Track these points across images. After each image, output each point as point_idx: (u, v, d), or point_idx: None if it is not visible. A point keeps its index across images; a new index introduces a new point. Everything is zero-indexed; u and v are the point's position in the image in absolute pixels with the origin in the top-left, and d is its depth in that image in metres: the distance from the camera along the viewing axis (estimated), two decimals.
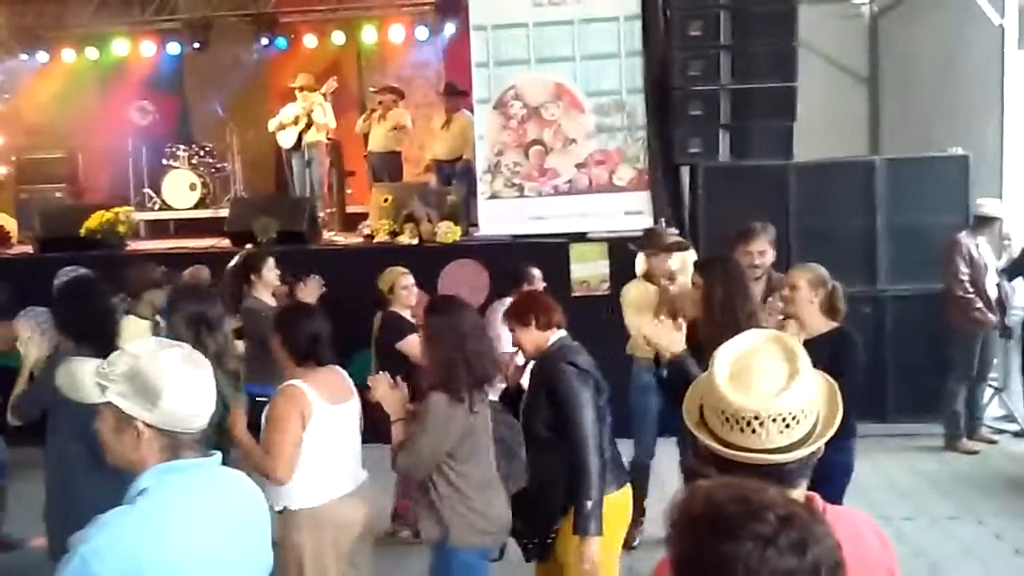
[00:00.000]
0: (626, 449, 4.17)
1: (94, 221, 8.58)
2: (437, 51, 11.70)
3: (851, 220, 7.66)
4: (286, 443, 3.46)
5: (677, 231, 7.80)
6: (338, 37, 11.52)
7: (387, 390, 3.60)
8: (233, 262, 6.48)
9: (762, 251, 5.10)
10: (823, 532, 1.36)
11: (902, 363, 7.51)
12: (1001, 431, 7.48)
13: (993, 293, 7.18)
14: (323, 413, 3.53)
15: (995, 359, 7.58)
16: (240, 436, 3.58)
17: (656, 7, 8.07)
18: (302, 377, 3.58)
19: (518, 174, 8.23)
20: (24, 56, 11.77)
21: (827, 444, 1.88)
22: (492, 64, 8.23)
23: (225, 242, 8.63)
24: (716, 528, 1.34)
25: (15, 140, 12.00)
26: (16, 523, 5.63)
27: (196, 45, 11.44)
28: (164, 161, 11.59)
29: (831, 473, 1.94)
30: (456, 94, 9.86)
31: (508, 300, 5.59)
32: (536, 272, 6.06)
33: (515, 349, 3.91)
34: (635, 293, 5.57)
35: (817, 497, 1.83)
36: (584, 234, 7.98)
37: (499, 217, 8.26)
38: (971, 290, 6.99)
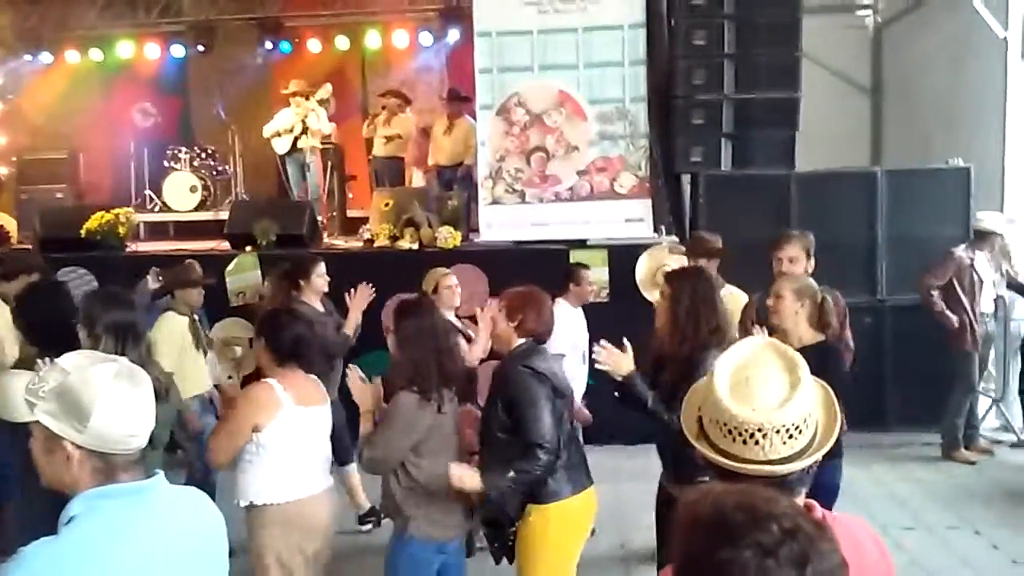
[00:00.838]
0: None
1: (94, 222, 8.56)
2: (440, 57, 11.73)
3: (852, 230, 7.67)
4: (232, 432, 3.59)
5: (677, 239, 7.83)
6: (342, 42, 11.57)
7: (358, 382, 3.70)
8: (281, 267, 6.48)
9: (792, 258, 4.86)
10: (829, 548, 1.35)
11: (901, 373, 7.52)
12: (998, 442, 7.48)
13: (990, 308, 7.18)
14: (291, 412, 3.60)
15: (988, 370, 7.59)
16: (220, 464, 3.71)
17: (660, 16, 8.08)
18: (278, 377, 3.66)
19: (520, 180, 8.23)
20: (28, 57, 11.82)
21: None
22: (496, 70, 8.23)
23: (225, 245, 8.62)
24: (718, 533, 1.33)
25: (17, 140, 12.01)
26: None
27: (200, 48, 11.49)
28: (165, 163, 11.59)
29: (816, 496, 1.91)
30: (459, 100, 9.88)
31: (561, 300, 5.66)
32: (587, 273, 6.18)
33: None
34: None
35: (816, 505, 1.83)
36: (584, 241, 7.99)
37: (500, 223, 8.26)
38: (940, 305, 6.99)
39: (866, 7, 11.03)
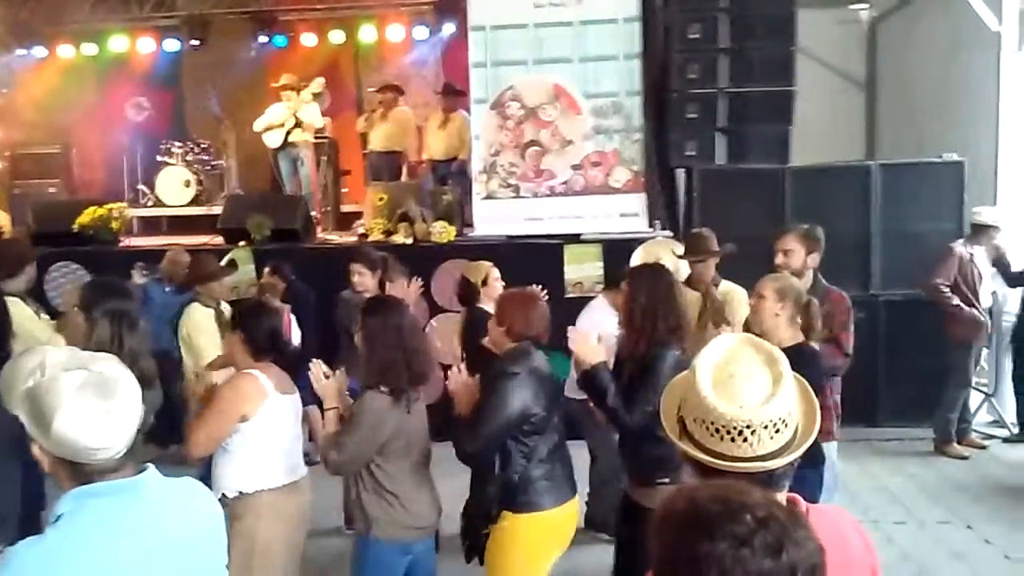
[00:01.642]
0: None
1: (87, 217, 8.54)
2: (435, 51, 11.70)
3: (846, 225, 7.65)
4: (219, 423, 3.59)
5: (671, 234, 7.82)
6: (337, 36, 11.53)
7: (322, 378, 3.68)
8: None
9: (788, 250, 4.70)
10: (804, 536, 1.36)
11: (894, 368, 7.52)
12: (991, 436, 7.49)
13: (987, 302, 7.18)
14: (276, 401, 3.64)
15: (981, 364, 7.60)
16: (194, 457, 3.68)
17: (655, 10, 8.07)
18: (258, 369, 3.69)
19: (514, 175, 8.22)
20: (21, 51, 11.76)
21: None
22: (490, 64, 8.22)
23: (218, 239, 8.61)
24: (693, 527, 1.35)
25: (10, 135, 11.95)
26: None
27: (194, 42, 11.45)
28: (159, 158, 11.54)
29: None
30: (454, 94, 9.85)
31: (607, 295, 5.68)
32: None
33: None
34: None
35: (799, 498, 1.83)
36: (579, 235, 7.98)
37: (494, 217, 8.26)
38: (954, 298, 6.94)
39: (861, 1, 11.02)
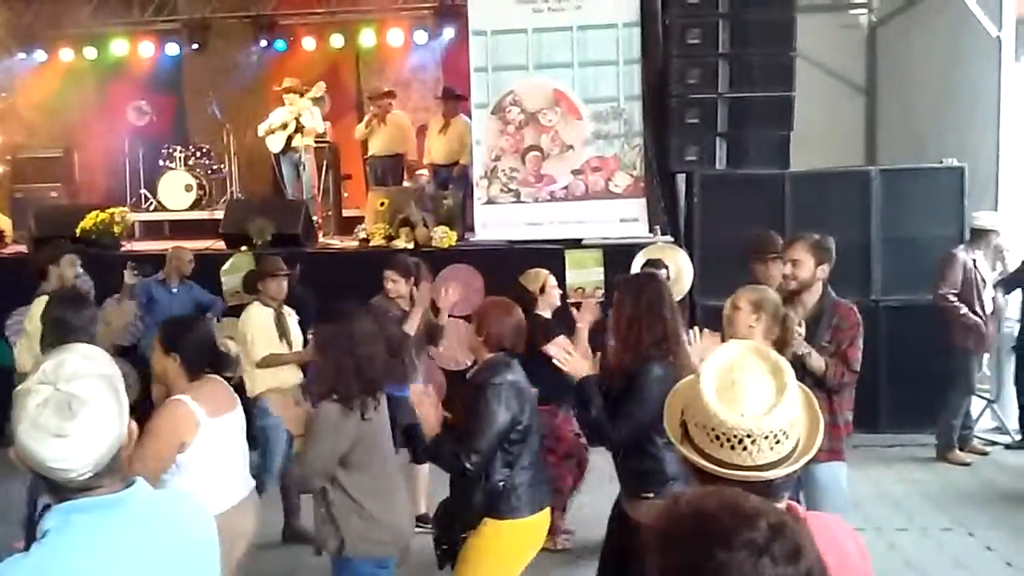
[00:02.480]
0: None
1: (89, 221, 8.55)
2: (435, 55, 11.72)
3: (846, 230, 7.59)
4: (151, 455, 3.33)
5: (672, 239, 7.84)
6: (337, 40, 11.55)
7: (284, 407, 3.68)
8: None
9: (796, 260, 4.44)
10: (810, 543, 1.35)
11: (895, 374, 7.51)
12: (993, 443, 7.48)
13: (989, 307, 7.18)
14: (208, 427, 3.46)
15: (983, 371, 7.61)
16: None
17: (655, 15, 8.08)
18: (190, 392, 3.49)
19: (515, 179, 8.23)
20: (22, 55, 11.78)
21: None
22: (491, 69, 8.23)
23: (220, 244, 8.62)
24: (706, 537, 1.32)
25: (11, 139, 11.96)
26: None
27: (195, 46, 11.47)
28: (160, 162, 11.57)
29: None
30: (454, 98, 9.86)
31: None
32: (660, 273, 5.78)
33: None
34: None
35: (796, 505, 1.84)
36: (579, 240, 7.99)
37: (495, 222, 8.26)
38: (963, 308, 6.94)
39: (860, 6, 11.05)
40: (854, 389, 4.44)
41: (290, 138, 9.80)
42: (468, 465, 3.53)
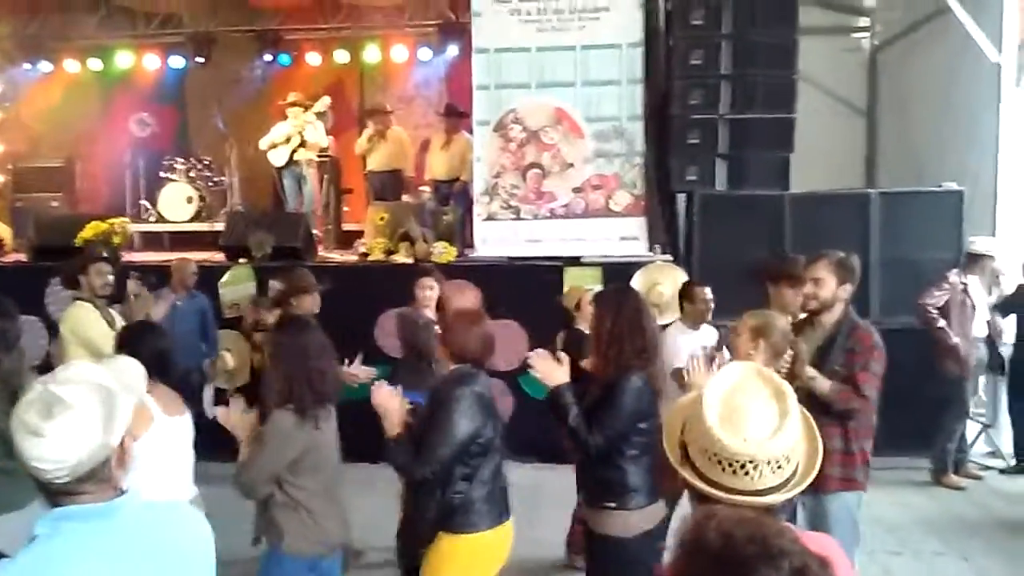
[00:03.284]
0: None
1: (89, 231, 8.56)
2: (439, 72, 11.77)
3: (845, 252, 7.64)
4: None
5: (671, 258, 7.85)
6: (341, 55, 11.63)
7: (237, 414, 3.67)
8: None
9: (818, 279, 4.26)
10: None
11: (891, 397, 7.40)
12: (988, 467, 7.47)
13: (983, 331, 7.19)
14: (162, 423, 3.59)
15: (978, 394, 7.60)
16: None
17: (658, 35, 8.13)
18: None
19: (515, 196, 8.25)
20: (27, 65, 11.85)
21: None
22: (493, 87, 8.26)
23: (220, 256, 8.63)
24: (730, 566, 1.33)
25: (15, 148, 12.01)
26: None
27: (199, 59, 11.53)
28: (162, 173, 11.60)
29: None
30: (456, 115, 9.89)
31: (677, 322, 5.76)
32: (701, 290, 5.85)
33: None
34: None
35: (792, 527, 1.84)
36: (579, 258, 7.99)
37: (495, 239, 8.28)
38: (940, 321, 6.95)
39: (862, 30, 11.11)
40: (873, 416, 4.33)
41: (293, 152, 9.83)
42: (417, 475, 3.54)
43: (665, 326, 5.59)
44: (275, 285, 7.13)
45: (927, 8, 9.36)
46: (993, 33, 8.26)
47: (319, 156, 10.23)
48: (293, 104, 9.94)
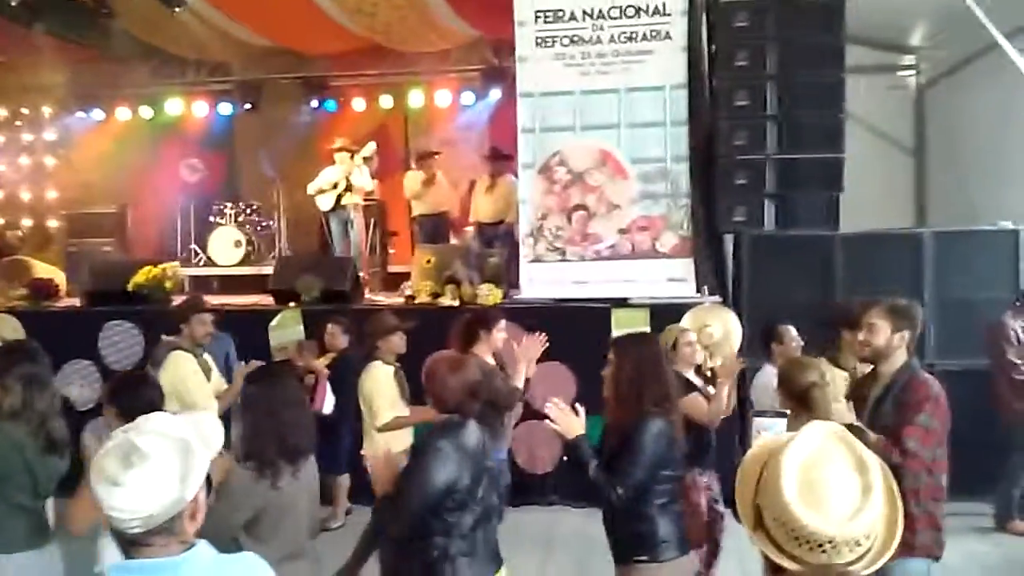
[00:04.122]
0: None
1: (141, 276, 8.69)
2: (482, 115, 11.88)
3: (898, 293, 7.40)
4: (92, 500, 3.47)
5: (720, 299, 7.76)
6: (386, 101, 11.82)
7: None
8: (464, 317, 6.26)
9: (871, 324, 4.07)
10: None
11: (951, 440, 7.30)
12: None
13: None
14: None
15: None
16: (77, 531, 3.50)
17: (702, 76, 8.12)
18: None
19: (561, 238, 8.25)
20: (81, 113, 12.16)
21: None
22: (538, 130, 8.30)
23: (268, 299, 8.71)
24: None
25: (67, 194, 12.30)
26: None
27: (247, 106, 11.76)
28: (211, 218, 11.81)
29: None
30: (500, 158, 9.97)
31: (766, 366, 5.64)
32: (788, 329, 5.76)
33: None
34: None
35: None
36: (626, 300, 7.94)
37: (541, 280, 8.26)
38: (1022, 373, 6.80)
39: (909, 68, 11.03)
40: (936, 475, 4.11)
41: (340, 196, 9.95)
42: (394, 531, 3.43)
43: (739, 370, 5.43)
44: (333, 328, 7.19)
45: (975, 46, 9.26)
46: None
47: (365, 200, 10.33)
48: (340, 149, 10.08)
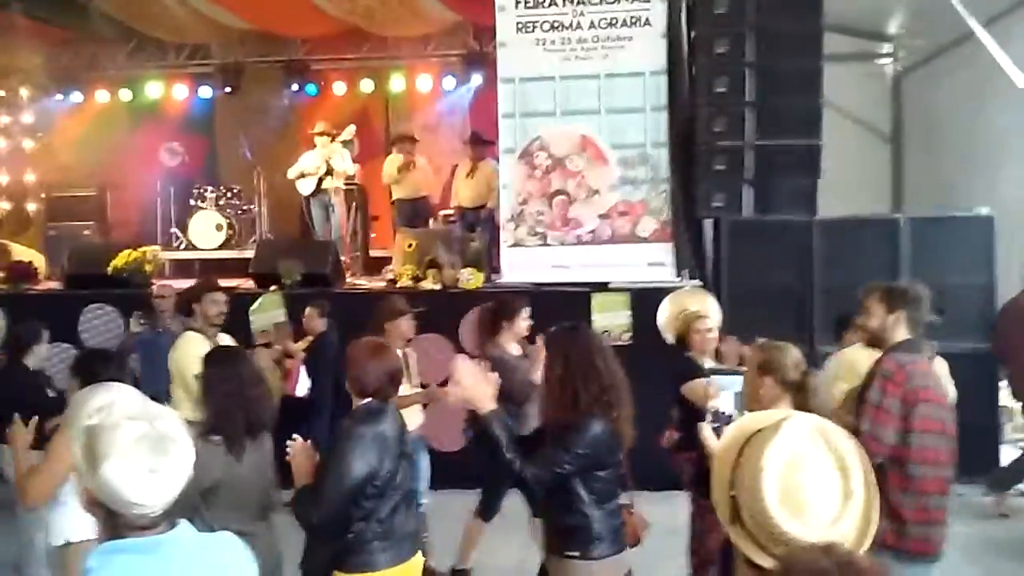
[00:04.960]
0: None
1: (121, 260, 8.66)
2: (463, 101, 11.88)
3: (874, 277, 7.46)
4: (47, 474, 3.63)
5: (700, 283, 7.84)
6: (367, 85, 11.79)
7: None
8: (486, 306, 6.24)
9: (866, 306, 4.06)
10: None
11: None
12: None
13: None
14: None
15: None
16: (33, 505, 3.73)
17: (682, 63, 8.17)
18: None
19: (541, 223, 8.29)
20: (59, 96, 12.06)
21: None
22: (519, 115, 8.32)
23: (249, 283, 8.71)
24: None
25: (46, 177, 12.20)
26: None
27: (227, 89, 11.70)
28: (191, 202, 11.76)
29: None
30: (481, 143, 9.99)
31: None
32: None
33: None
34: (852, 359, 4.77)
35: None
36: (606, 284, 8.01)
37: (522, 265, 8.31)
38: None
39: (886, 56, 11.13)
40: (935, 469, 3.83)
41: (320, 180, 9.94)
42: (313, 520, 3.38)
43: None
44: (310, 311, 7.20)
45: (951, 34, 9.36)
46: (1018, 58, 8.24)
47: (346, 184, 10.34)
48: (320, 133, 10.06)
